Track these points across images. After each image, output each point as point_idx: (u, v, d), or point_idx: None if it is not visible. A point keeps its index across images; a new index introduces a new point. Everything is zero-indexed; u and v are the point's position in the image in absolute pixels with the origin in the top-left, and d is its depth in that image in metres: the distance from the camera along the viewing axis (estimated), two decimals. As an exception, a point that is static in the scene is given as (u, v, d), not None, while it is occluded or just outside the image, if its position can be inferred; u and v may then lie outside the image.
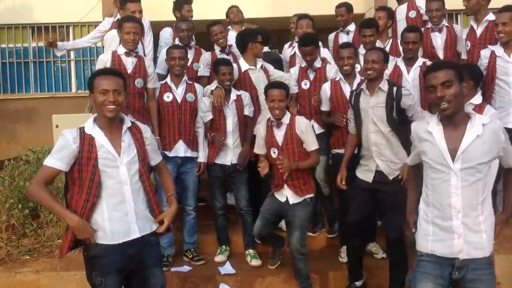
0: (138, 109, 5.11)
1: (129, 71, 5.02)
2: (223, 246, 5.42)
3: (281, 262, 5.14)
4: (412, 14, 6.45)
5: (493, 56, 4.90)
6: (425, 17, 6.33)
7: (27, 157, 5.72)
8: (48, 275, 4.74)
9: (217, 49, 5.99)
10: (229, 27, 6.74)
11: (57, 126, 7.60)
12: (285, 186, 4.63)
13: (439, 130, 3.06)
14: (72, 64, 10.75)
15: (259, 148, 4.81)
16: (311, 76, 5.39)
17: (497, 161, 3.25)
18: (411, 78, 5.21)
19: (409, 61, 5.26)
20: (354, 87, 4.99)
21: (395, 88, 4.44)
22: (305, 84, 5.37)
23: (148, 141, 3.47)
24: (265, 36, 5.67)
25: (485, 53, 4.98)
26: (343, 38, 6.41)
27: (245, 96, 5.30)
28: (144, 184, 3.33)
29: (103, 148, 3.20)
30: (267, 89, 4.67)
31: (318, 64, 5.44)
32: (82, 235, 3.14)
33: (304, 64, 5.44)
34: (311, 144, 4.65)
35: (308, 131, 4.64)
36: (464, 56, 5.65)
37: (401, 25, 6.33)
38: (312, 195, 4.70)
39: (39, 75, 10.65)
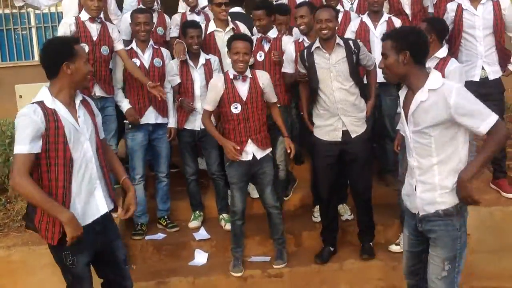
0: (105, 78, 4.97)
1: (94, 38, 4.87)
2: (197, 212, 5.42)
3: (256, 226, 5.16)
4: None
5: (459, 9, 4.87)
6: None
7: (-9, 130, 5.56)
8: (19, 250, 4.65)
9: (187, 9, 5.84)
10: None
11: (20, 96, 7.40)
12: (249, 141, 4.50)
13: (402, 95, 3.20)
14: (33, 31, 10.45)
15: (211, 105, 4.55)
16: (266, 47, 5.19)
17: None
18: (378, 32, 5.17)
19: (375, 15, 5.23)
20: None
21: (350, 42, 4.51)
22: (260, 56, 5.16)
23: (96, 113, 3.35)
24: None
25: (451, 6, 4.95)
26: None
27: (214, 61, 5.19)
28: (100, 158, 3.23)
29: (68, 124, 3.03)
30: (231, 41, 4.45)
31: (273, 34, 5.25)
32: (75, 233, 2.96)
33: (259, 35, 5.25)
34: (273, 96, 4.65)
35: (270, 83, 4.59)
36: (431, 10, 5.61)
37: None
38: (271, 149, 4.68)
39: (-1, 43, 10.30)
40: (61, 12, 9.84)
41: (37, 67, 9.95)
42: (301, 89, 4.86)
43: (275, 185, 4.81)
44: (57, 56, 3.04)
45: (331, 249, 4.85)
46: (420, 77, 3.04)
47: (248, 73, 4.51)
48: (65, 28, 4.83)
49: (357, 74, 4.52)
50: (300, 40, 5.09)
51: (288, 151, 4.60)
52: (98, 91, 4.93)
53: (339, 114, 4.48)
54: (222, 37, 5.30)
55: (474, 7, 4.83)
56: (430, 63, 4.35)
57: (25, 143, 2.90)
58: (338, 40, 4.45)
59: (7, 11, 10.31)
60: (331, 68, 4.44)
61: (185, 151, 5.24)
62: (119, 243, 3.44)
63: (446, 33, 4.57)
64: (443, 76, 4.23)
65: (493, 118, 2.91)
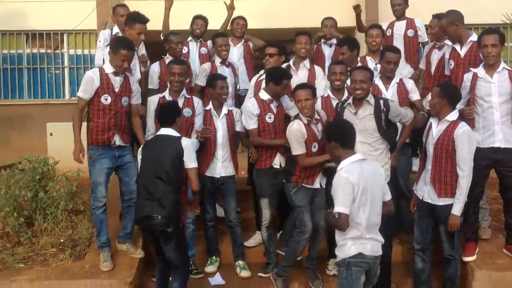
0: (124, 128, 5.17)
1: (116, 90, 5.06)
2: (213, 257, 5.56)
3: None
4: (411, 33, 6.62)
5: (475, 78, 5.05)
6: (421, 39, 6.63)
7: (22, 166, 5.81)
8: (42, 284, 4.83)
9: (217, 60, 6.15)
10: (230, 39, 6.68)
11: (51, 134, 7.80)
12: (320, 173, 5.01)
13: None
14: (66, 71, 10.85)
15: (300, 149, 4.86)
16: (275, 109, 5.32)
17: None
18: (389, 95, 5.39)
19: (387, 79, 5.45)
20: None
21: (381, 101, 4.82)
22: (269, 118, 5.27)
23: None
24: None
25: (467, 76, 5.13)
26: (326, 50, 6.59)
27: (236, 112, 5.45)
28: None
29: None
30: (294, 91, 4.92)
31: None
32: None
33: (268, 97, 5.33)
34: None
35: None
36: (447, 72, 5.78)
37: (398, 42, 6.55)
38: None
39: (32, 81, 10.74)
40: (93, 54, 10.36)
41: (66, 106, 10.52)
42: None
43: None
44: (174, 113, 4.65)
45: None
46: (345, 156, 3.93)
47: (316, 115, 4.94)
48: (88, 81, 4.98)
49: (385, 131, 4.80)
50: (326, 95, 5.38)
51: None
52: (118, 141, 5.10)
53: None
54: None
55: (489, 75, 5.02)
56: (441, 126, 4.63)
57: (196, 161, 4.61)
58: (369, 97, 4.78)
59: (42, 50, 10.76)
60: (357, 121, 4.72)
61: (204, 197, 5.41)
62: None
63: (457, 99, 4.77)
64: (453, 138, 4.51)
65: None
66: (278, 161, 5.24)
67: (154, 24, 6.46)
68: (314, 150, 4.90)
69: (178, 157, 4.47)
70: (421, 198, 4.83)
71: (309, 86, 4.95)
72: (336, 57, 6.43)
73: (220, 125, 5.37)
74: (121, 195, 5.41)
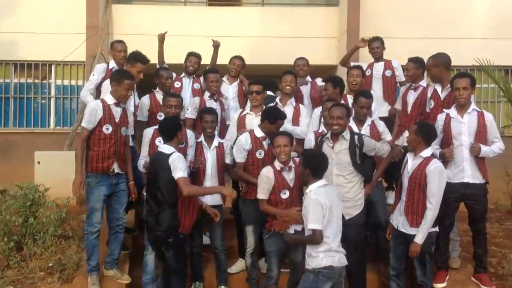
0: (122, 156, 5.41)
1: (117, 120, 5.33)
2: (197, 282, 5.76)
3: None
4: (388, 73, 7.05)
5: (447, 118, 5.43)
6: (398, 78, 7.05)
7: (14, 193, 5.98)
8: (31, 306, 4.99)
9: (206, 94, 6.44)
10: (225, 77, 7.06)
11: (38, 162, 7.96)
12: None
13: None
14: (52, 100, 11.07)
15: (265, 194, 5.08)
16: (266, 146, 5.52)
17: None
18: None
19: (360, 122, 5.73)
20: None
21: (356, 136, 5.18)
22: (260, 154, 5.49)
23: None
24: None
25: (441, 117, 5.51)
26: (303, 88, 6.95)
27: (227, 145, 5.72)
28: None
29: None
30: (273, 138, 5.17)
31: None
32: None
33: (261, 134, 5.52)
34: None
35: None
36: (427, 109, 6.09)
37: (377, 82, 7.04)
38: None
39: (18, 110, 10.94)
40: (79, 85, 10.63)
41: (52, 135, 10.69)
42: None
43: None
44: (174, 128, 4.95)
45: None
46: (313, 181, 4.56)
47: (291, 162, 5.12)
48: (92, 112, 5.20)
49: (359, 165, 5.11)
50: (320, 131, 5.73)
51: None
52: (116, 168, 5.34)
53: None
54: (251, 119, 5.91)
55: (461, 115, 5.39)
56: (416, 161, 5.01)
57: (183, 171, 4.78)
58: (345, 133, 5.11)
59: (30, 80, 10.98)
60: (333, 155, 5.07)
61: (195, 226, 5.53)
62: None
63: (432, 137, 5.13)
64: (425, 173, 4.88)
65: None
66: None
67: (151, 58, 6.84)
68: (284, 196, 5.05)
69: (168, 173, 4.76)
70: (396, 228, 5.16)
71: (289, 134, 5.18)
72: (313, 94, 6.92)
73: (210, 156, 5.61)
74: (108, 222, 5.56)
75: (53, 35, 10.46)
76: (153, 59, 7.02)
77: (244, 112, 6.05)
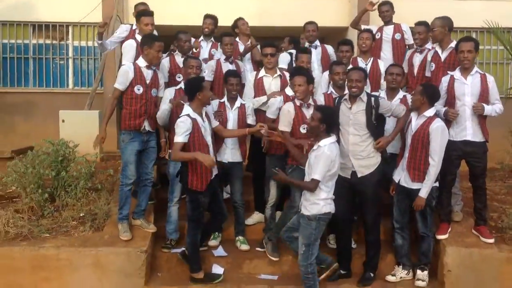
0: (152, 115, 5.79)
1: (147, 82, 5.70)
2: (216, 233, 6.19)
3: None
4: (398, 36, 7.25)
5: (451, 80, 5.74)
6: (407, 41, 7.23)
7: (46, 148, 6.40)
8: (67, 250, 5.45)
9: (222, 57, 6.70)
10: (237, 38, 7.21)
11: (63, 121, 8.37)
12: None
13: None
14: (70, 61, 11.35)
15: (287, 126, 5.54)
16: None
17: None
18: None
19: (392, 92, 5.94)
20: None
21: (373, 98, 5.46)
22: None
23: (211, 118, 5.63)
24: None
25: (445, 78, 5.82)
26: (313, 52, 7.01)
27: (248, 106, 6.02)
28: (212, 139, 5.53)
29: (201, 124, 5.30)
30: (292, 77, 5.63)
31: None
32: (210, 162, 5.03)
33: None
34: None
35: None
36: (428, 74, 6.42)
37: (386, 45, 7.24)
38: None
39: (38, 70, 11.23)
40: (96, 46, 10.91)
41: (70, 95, 11.09)
42: None
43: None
44: (194, 88, 5.19)
45: (342, 272, 5.64)
46: (325, 136, 4.99)
47: (310, 100, 5.60)
48: (124, 74, 5.60)
49: (373, 126, 5.40)
50: (329, 92, 5.98)
51: None
52: (147, 126, 5.73)
53: (349, 156, 5.39)
54: (269, 82, 6.22)
55: (464, 77, 5.69)
56: (419, 120, 5.36)
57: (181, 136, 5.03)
58: (363, 95, 5.41)
59: (48, 41, 11.27)
60: (350, 116, 5.41)
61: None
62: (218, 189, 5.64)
63: (436, 98, 5.48)
64: (428, 132, 5.23)
65: None
66: None
67: (164, 19, 7.15)
68: (303, 131, 5.51)
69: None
70: (397, 182, 5.55)
71: (305, 73, 5.56)
72: (324, 57, 7.17)
73: (232, 116, 5.93)
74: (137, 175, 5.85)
75: (70, -3, 10.67)
76: (168, 19, 7.33)
77: (260, 75, 6.30)
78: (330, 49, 7.34)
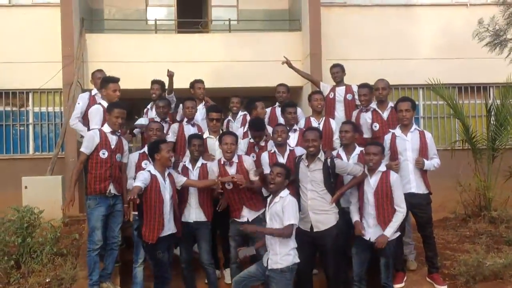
0: (117, 179, 6.01)
1: (112, 147, 5.95)
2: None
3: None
4: (349, 97, 7.52)
5: (393, 137, 6.22)
6: (358, 101, 7.48)
7: (11, 215, 6.49)
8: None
9: (184, 120, 7.07)
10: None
11: (26, 187, 8.42)
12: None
13: None
14: (30, 127, 11.45)
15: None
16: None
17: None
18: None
19: (347, 148, 6.27)
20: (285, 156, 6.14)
21: (328, 160, 5.76)
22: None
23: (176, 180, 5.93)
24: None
25: (387, 136, 6.29)
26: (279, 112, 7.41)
27: (210, 166, 6.23)
28: (173, 200, 5.79)
29: (162, 183, 5.63)
30: (221, 136, 6.03)
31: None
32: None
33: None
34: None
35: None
36: (366, 135, 6.87)
37: (339, 105, 7.54)
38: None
39: (-2, 137, 11.26)
40: (57, 112, 11.13)
41: (31, 160, 11.07)
42: None
43: None
44: (152, 150, 5.60)
45: None
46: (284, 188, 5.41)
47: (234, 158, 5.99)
48: (90, 140, 5.87)
49: (331, 183, 5.72)
50: (272, 152, 6.25)
51: None
52: (112, 189, 5.94)
53: (308, 210, 5.69)
54: (213, 142, 6.56)
55: (404, 134, 6.17)
56: (376, 176, 5.69)
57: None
58: (320, 155, 5.75)
59: (8, 108, 11.38)
60: (308, 173, 5.73)
61: (183, 241, 6.13)
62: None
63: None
64: (390, 185, 5.58)
65: None
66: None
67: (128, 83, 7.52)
68: (228, 187, 5.96)
69: None
70: (367, 239, 5.70)
71: (234, 134, 6.08)
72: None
73: (192, 177, 6.15)
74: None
75: (30, 64, 10.87)
76: (128, 84, 7.68)
77: (205, 136, 6.67)
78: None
